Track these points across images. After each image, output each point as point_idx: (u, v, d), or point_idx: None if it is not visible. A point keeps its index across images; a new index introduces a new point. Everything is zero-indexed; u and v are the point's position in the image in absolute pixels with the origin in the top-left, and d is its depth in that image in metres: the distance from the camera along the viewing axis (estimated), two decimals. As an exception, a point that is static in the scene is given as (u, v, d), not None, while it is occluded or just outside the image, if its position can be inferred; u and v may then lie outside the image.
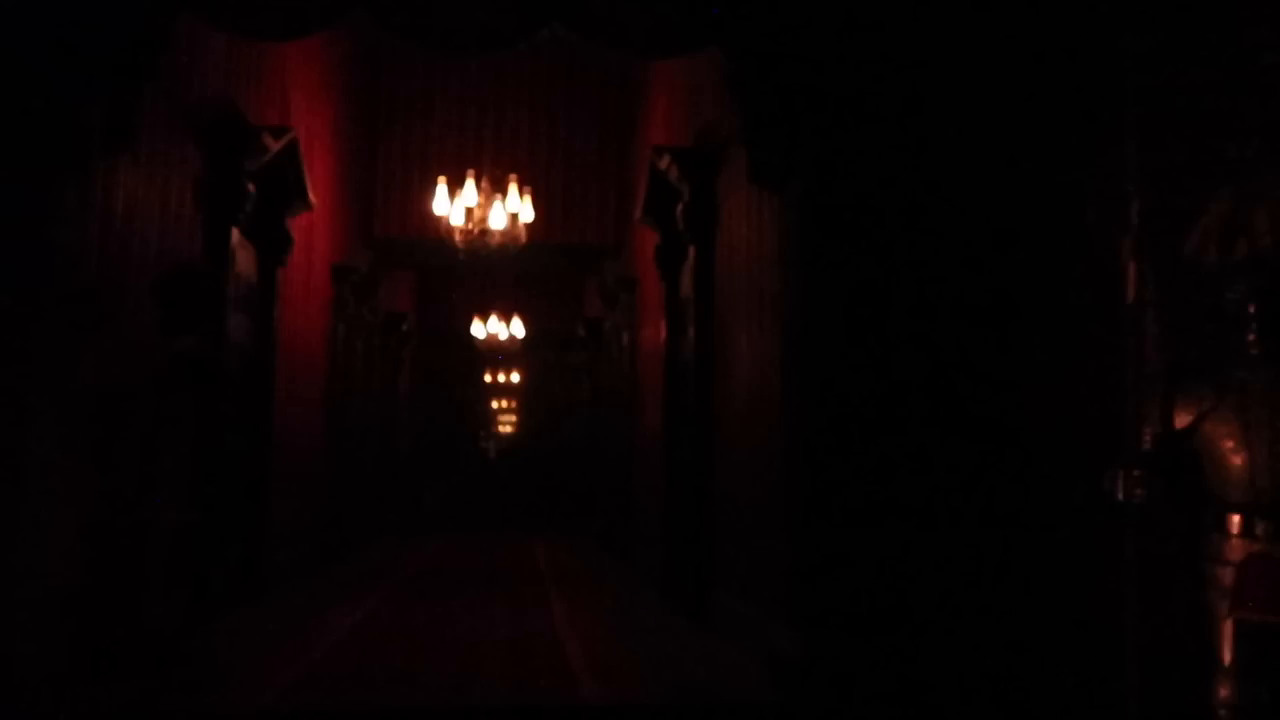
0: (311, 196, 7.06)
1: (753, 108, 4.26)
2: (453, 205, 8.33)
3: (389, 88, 11.01)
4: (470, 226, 8.21)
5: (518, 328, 14.59)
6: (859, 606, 3.73)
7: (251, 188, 5.89)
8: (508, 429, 18.16)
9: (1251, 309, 2.73)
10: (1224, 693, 2.80)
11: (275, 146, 6.10)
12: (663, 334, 7.27)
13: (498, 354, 15.48)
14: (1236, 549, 2.73)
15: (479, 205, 8.25)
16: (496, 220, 8.31)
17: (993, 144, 3.73)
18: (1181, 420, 2.96)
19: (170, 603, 4.59)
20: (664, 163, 6.26)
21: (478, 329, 14.70)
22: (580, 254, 11.34)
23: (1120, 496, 3.02)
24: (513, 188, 8.27)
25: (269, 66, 6.79)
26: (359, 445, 10.63)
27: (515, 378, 17.79)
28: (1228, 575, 2.80)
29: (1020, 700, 3.41)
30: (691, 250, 6.18)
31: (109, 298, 4.34)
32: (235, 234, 5.86)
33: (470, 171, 8.27)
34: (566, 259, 11.77)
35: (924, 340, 3.81)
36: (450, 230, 8.41)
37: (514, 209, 8.26)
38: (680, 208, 6.17)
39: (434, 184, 10.61)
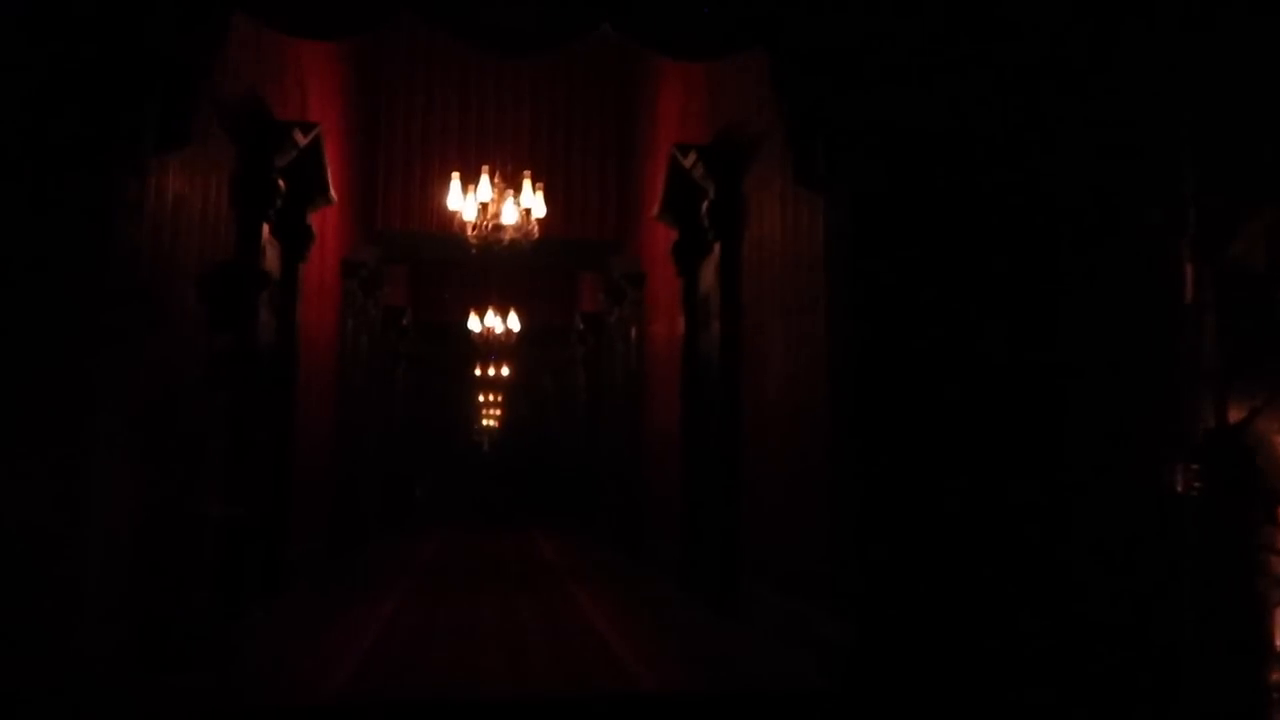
0: (332, 191, 7.08)
1: (798, 110, 4.34)
2: (465, 200, 8.36)
3: (389, 80, 11.00)
4: (484, 222, 8.25)
5: (514, 322, 14.64)
6: (911, 593, 3.84)
7: (282, 184, 5.92)
8: (502, 423, 18.21)
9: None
10: (1277, 677, 2.94)
11: (303, 142, 6.12)
12: (680, 328, 7.35)
13: (493, 348, 15.51)
14: (1288, 539, 2.85)
15: (492, 200, 8.29)
16: (509, 216, 8.35)
17: (1046, 142, 3.81)
18: (1235, 416, 3.09)
19: (218, 596, 4.64)
20: (689, 160, 6.33)
21: (473, 323, 14.74)
22: (579, 249, 11.38)
23: (1179, 489, 3.16)
24: (526, 183, 8.31)
25: (289, 61, 6.80)
26: (362, 440, 10.65)
27: (509, 372, 17.83)
28: (1279, 565, 2.93)
29: (1077, 681, 3.52)
30: (717, 246, 6.25)
31: (162, 295, 4.37)
32: (265, 230, 5.89)
33: (485, 167, 8.30)
34: (565, 254, 11.79)
35: (974, 340, 3.92)
36: (463, 226, 8.45)
37: (527, 204, 8.30)
38: (706, 205, 6.24)
39: (433, 178, 10.67)
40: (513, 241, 8.36)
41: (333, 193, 7.11)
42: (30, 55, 3.61)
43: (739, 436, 5.94)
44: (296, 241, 6.75)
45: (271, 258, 6.27)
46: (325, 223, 8.11)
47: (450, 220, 9.05)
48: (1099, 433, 3.61)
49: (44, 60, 3.66)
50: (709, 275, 6.64)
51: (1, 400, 3.50)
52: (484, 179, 8.20)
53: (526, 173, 8.38)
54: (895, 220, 4.09)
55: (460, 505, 16.31)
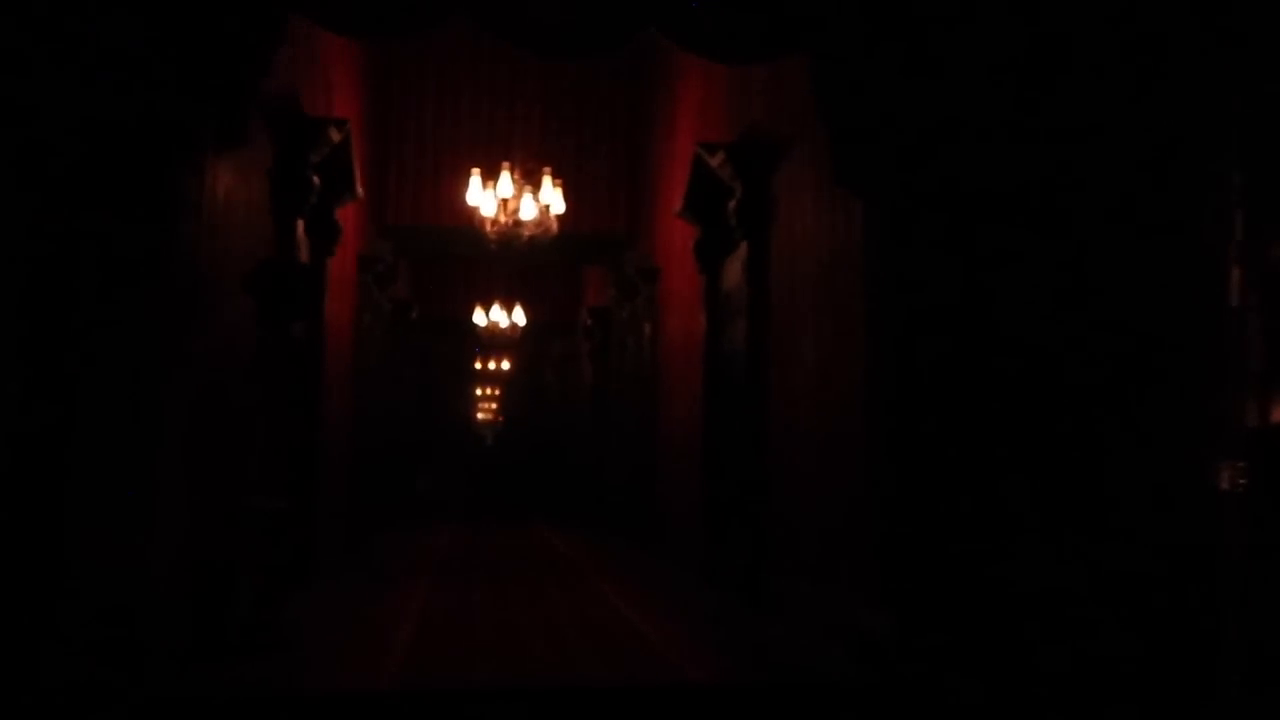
0: (359, 187, 7.15)
1: (841, 114, 4.44)
2: (484, 196, 8.43)
3: (399, 74, 11.03)
4: (505, 218, 8.33)
5: (519, 316, 14.73)
6: (952, 586, 3.95)
7: (316, 180, 5.99)
8: (504, 417, 18.29)
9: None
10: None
11: (337, 139, 6.19)
12: (701, 324, 7.45)
13: (497, 342, 15.59)
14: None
15: (511, 197, 8.37)
16: (528, 211, 8.43)
17: (1093, 143, 3.89)
18: (1278, 416, 3.22)
19: (265, 587, 4.72)
20: (716, 159, 6.42)
21: (478, 317, 14.83)
22: (589, 243, 11.45)
23: (1225, 487, 3.27)
24: (546, 179, 8.38)
25: (315, 57, 6.86)
26: (373, 434, 10.71)
27: (512, 366, 17.91)
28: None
29: (1121, 674, 3.63)
30: (744, 245, 6.35)
31: (214, 290, 4.45)
32: (300, 225, 5.96)
33: (506, 164, 8.37)
34: (574, 248, 11.84)
35: (1016, 338, 4.03)
36: (481, 221, 8.52)
37: (547, 200, 8.38)
38: (733, 203, 6.34)
39: (442, 172, 10.72)
40: (532, 237, 8.43)
41: (359, 188, 7.18)
42: (100, 56, 3.68)
43: (766, 430, 6.04)
44: (325, 237, 6.83)
45: (304, 253, 6.33)
46: (346, 218, 8.18)
47: (458, 215, 9.12)
48: (1141, 431, 3.71)
49: (112, 60, 3.72)
50: (734, 272, 6.74)
51: (76, 397, 3.58)
52: (505, 175, 8.27)
53: (546, 169, 8.45)
54: (938, 222, 4.19)
55: (463, 498, 16.39)
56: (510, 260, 12.51)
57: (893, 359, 4.26)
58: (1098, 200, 3.89)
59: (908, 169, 4.29)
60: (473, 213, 8.50)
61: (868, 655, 4.23)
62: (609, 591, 6.60)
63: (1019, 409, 4.01)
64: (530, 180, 8.46)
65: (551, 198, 8.41)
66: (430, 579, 7.18)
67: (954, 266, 4.18)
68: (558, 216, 8.63)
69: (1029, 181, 4.11)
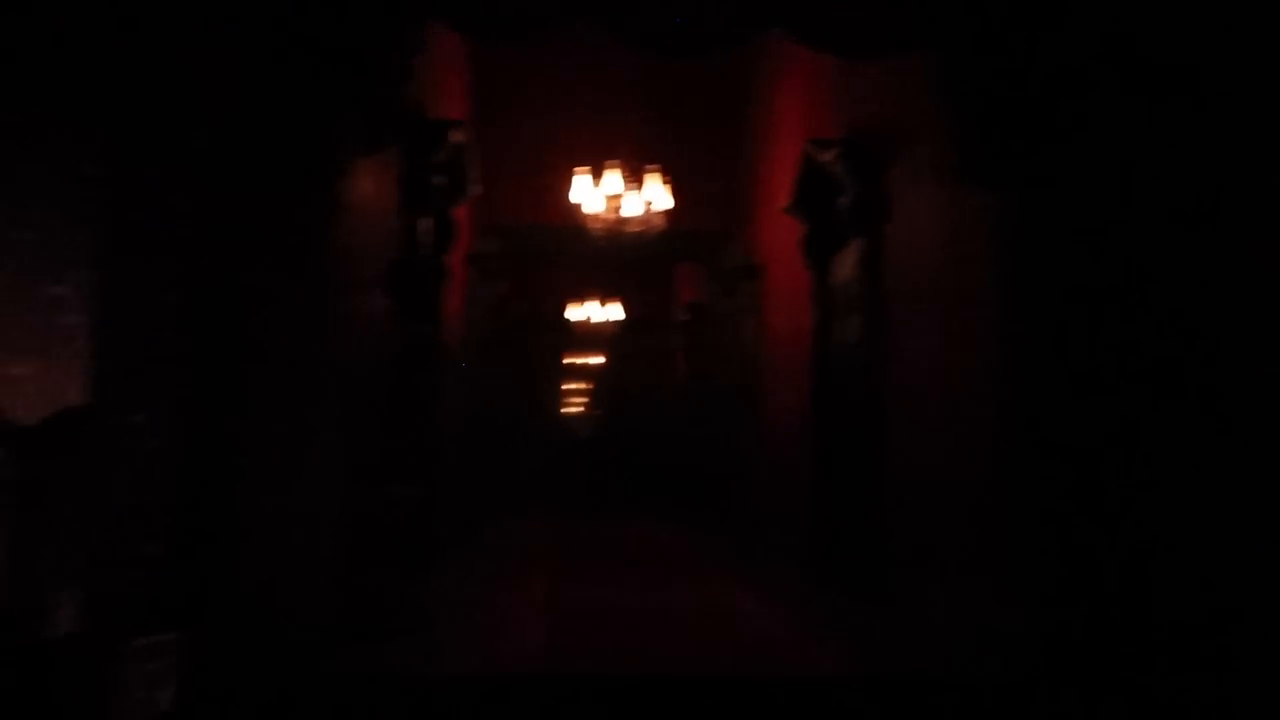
0: (475, 186, 7.35)
1: (965, 107, 4.44)
2: (583, 192, 8.56)
3: (501, 73, 11.18)
4: (610, 214, 8.47)
5: (613, 311, 14.90)
6: (1093, 584, 3.93)
7: (439, 180, 6.19)
8: (598, 411, 18.52)
9: None
10: None
11: (457, 140, 6.38)
12: (808, 321, 7.47)
13: (591, 338, 15.79)
14: None
15: (617, 194, 8.50)
16: (632, 207, 8.55)
17: (1227, 137, 3.84)
18: None
19: (401, 572, 4.93)
20: (827, 155, 6.45)
21: (572, 312, 15.04)
22: (687, 239, 11.48)
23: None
24: (654, 176, 8.49)
25: (431, 59, 7.05)
26: (479, 426, 10.96)
27: (606, 361, 18.14)
28: None
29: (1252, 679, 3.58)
30: (857, 241, 6.36)
31: (358, 285, 4.65)
32: (424, 225, 6.17)
33: (615, 162, 8.50)
34: (673, 244, 11.87)
35: (1149, 333, 3.99)
36: (585, 219, 8.67)
37: (653, 196, 8.49)
38: (845, 199, 6.35)
39: (543, 168, 10.88)
40: (638, 233, 8.56)
41: (476, 186, 7.38)
42: (267, 68, 3.89)
43: (883, 427, 6.05)
44: (445, 235, 7.02)
45: (428, 251, 6.54)
46: (458, 216, 8.40)
47: (559, 212, 9.24)
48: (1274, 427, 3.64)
49: (271, 65, 3.93)
50: (845, 268, 6.75)
51: (247, 388, 3.79)
52: (612, 172, 8.39)
53: (655, 167, 8.55)
54: (1070, 212, 4.17)
55: (561, 491, 16.63)
56: (607, 256, 12.64)
57: (1029, 354, 4.25)
58: (1233, 188, 3.83)
59: (1036, 160, 4.28)
60: (575, 209, 8.64)
61: (1000, 653, 4.23)
62: (725, 585, 6.69)
63: (1150, 405, 3.97)
64: (636, 177, 8.57)
65: (658, 194, 8.51)
66: (545, 566, 7.36)
67: (1088, 259, 4.16)
68: (665, 212, 8.73)
69: (1160, 174, 4.06)
